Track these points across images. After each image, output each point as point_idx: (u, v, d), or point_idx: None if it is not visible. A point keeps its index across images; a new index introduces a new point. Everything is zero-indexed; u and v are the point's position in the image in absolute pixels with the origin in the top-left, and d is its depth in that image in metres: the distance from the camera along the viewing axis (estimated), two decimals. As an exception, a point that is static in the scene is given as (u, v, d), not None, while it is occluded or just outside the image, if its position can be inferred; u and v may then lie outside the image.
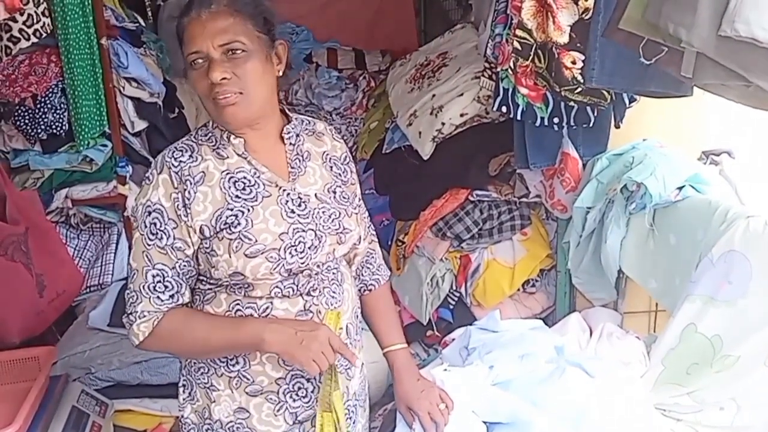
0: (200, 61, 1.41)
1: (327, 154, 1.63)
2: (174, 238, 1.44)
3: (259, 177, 1.50)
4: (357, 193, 1.69)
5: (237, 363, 1.52)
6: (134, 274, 1.45)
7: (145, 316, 1.45)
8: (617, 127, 2.28)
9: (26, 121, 2.96)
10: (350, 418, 1.66)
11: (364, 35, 4.60)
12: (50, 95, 2.97)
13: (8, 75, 2.96)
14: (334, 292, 1.57)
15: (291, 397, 1.54)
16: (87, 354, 2.42)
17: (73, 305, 2.99)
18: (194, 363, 1.56)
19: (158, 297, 1.45)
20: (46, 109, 2.95)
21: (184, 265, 1.47)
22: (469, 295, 2.81)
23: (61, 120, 2.98)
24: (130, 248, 3.13)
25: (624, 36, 1.36)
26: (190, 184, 1.44)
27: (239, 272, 1.44)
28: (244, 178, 1.48)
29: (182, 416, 1.61)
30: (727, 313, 1.81)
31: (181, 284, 1.47)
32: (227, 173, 1.47)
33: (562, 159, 2.37)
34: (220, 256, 1.44)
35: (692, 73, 1.23)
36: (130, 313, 1.46)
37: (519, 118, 2.29)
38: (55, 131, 2.99)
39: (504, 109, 2.33)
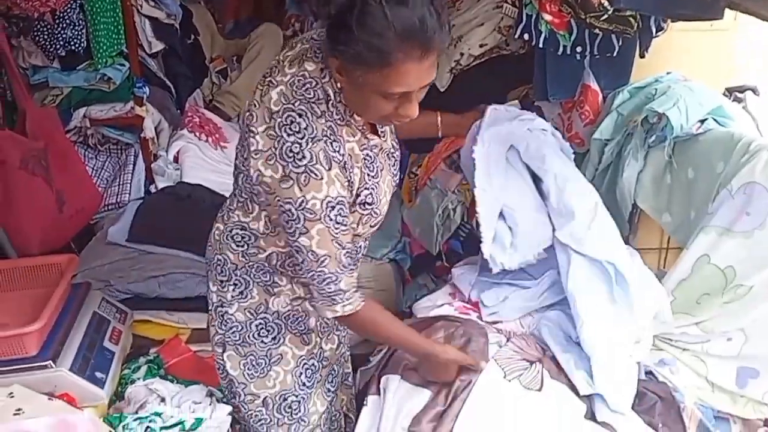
0: (398, 93, 1.37)
1: None
2: (350, 217, 1.50)
3: (371, 148, 1.53)
4: None
5: None
6: (324, 259, 1.47)
7: (349, 298, 1.53)
8: (642, 56, 2.25)
9: (45, 37, 2.94)
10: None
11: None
12: (68, 11, 2.93)
13: (27, -12, 2.93)
14: None
15: None
16: (106, 267, 2.46)
17: (92, 223, 3.03)
18: (255, 263, 1.63)
19: (351, 268, 1.52)
20: (64, 25, 2.93)
21: None
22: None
23: (79, 36, 2.96)
24: (146, 169, 3.18)
25: (658, -49, 1.34)
26: (350, 171, 1.46)
27: (357, 235, 1.56)
28: (368, 155, 1.52)
29: (225, 312, 1.68)
30: (742, 244, 1.82)
31: None
32: (360, 152, 1.50)
33: (582, 91, 2.35)
34: (348, 225, 1.51)
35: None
36: (332, 293, 1.51)
37: (541, 45, 2.26)
38: (73, 47, 2.97)
39: (526, 36, 2.30)
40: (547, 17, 2.17)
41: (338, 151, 1.42)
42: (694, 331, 1.93)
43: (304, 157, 1.38)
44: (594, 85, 2.32)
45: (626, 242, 2.40)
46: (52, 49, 2.95)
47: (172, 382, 2.02)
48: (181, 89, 3.64)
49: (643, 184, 2.22)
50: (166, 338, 2.31)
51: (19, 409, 1.64)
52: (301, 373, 1.74)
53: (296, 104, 1.40)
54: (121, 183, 3.12)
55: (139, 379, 2.03)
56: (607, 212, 1.91)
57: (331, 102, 1.44)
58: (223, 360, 1.73)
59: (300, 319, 1.70)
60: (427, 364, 1.73)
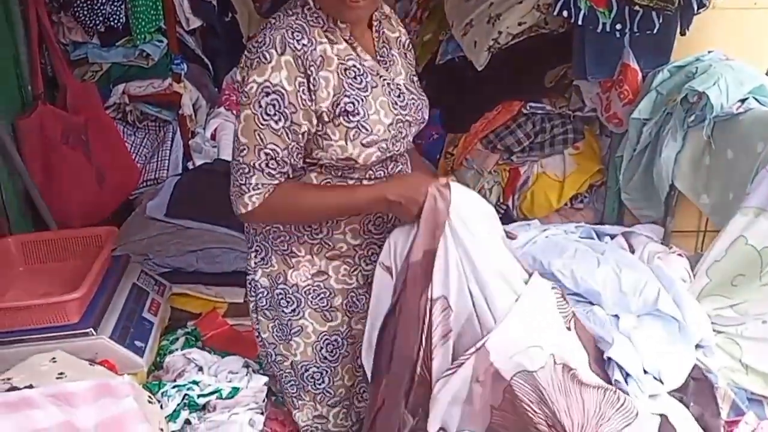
0: None
1: (399, 41, 1.66)
2: (291, 122, 1.45)
3: (363, 65, 1.52)
4: None
5: (320, 231, 1.61)
6: (244, 149, 1.46)
7: (258, 188, 1.48)
8: (683, 34, 2.20)
9: (85, 12, 2.99)
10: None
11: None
12: (107, -14, 2.99)
13: (67, -37, 2.98)
14: (404, 172, 1.68)
15: (365, 261, 1.66)
16: (145, 241, 2.52)
17: (131, 198, 3.09)
18: (273, 231, 1.63)
19: (270, 172, 1.48)
20: (104, 0, 2.98)
21: (294, 146, 1.49)
22: (515, 207, 2.81)
23: (118, 12, 3.01)
24: (184, 146, 3.23)
25: None
26: (314, 69, 1.44)
27: (352, 158, 1.51)
28: (354, 66, 1.51)
29: (252, 279, 1.70)
30: (780, 226, 1.79)
31: (290, 162, 1.50)
32: (339, 59, 1.49)
33: (622, 70, 2.31)
34: (335, 142, 1.49)
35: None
36: (243, 184, 1.48)
37: (580, 23, 2.23)
38: (112, 23, 3.02)
39: (565, 13, 2.27)
40: (587, -6, 2.14)
41: (299, 41, 1.43)
42: (729, 314, 1.90)
43: (263, 43, 1.42)
44: (633, 64, 2.28)
45: (663, 225, 2.40)
46: (91, 25, 3.00)
47: (209, 353, 2.07)
48: (218, 67, 3.67)
49: (681, 165, 2.19)
50: (203, 311, 2.35)
51: (61, 373, 1.69)
52: (321, 348, 1.71)
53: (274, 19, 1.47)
54: (159, 159, 3.17)
55: (177, 349, 2.08)
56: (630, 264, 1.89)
57: (307, 6, 1.48)
58: (258, 325, 1.75)
59: (322, 295, 1.67)
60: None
